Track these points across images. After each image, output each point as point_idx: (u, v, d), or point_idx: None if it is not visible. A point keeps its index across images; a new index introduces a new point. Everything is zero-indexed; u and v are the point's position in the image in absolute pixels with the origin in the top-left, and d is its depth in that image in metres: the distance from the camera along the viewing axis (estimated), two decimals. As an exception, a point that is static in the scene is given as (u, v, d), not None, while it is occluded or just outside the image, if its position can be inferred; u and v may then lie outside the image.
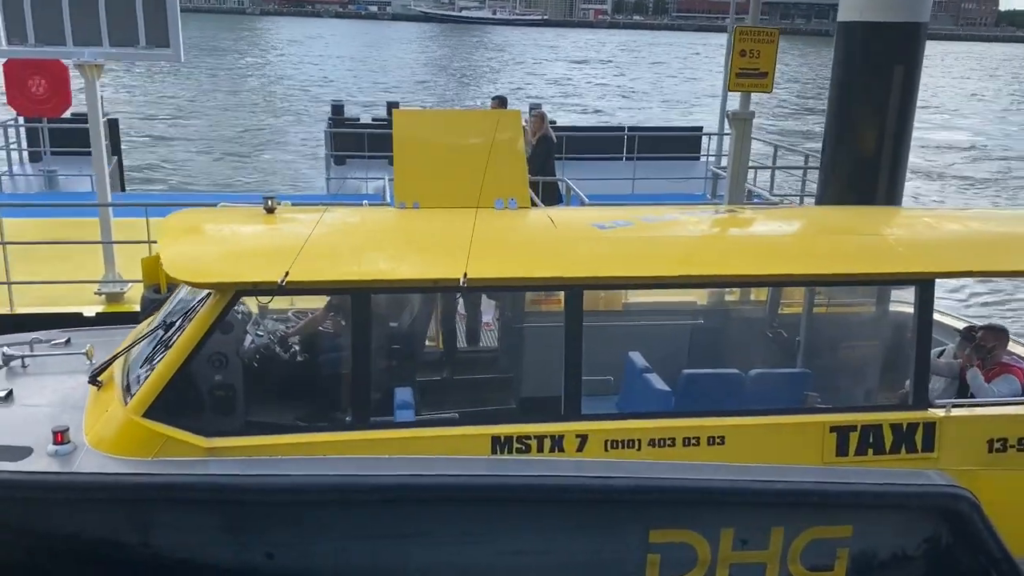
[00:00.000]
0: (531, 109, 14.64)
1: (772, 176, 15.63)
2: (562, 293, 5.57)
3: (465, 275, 5.27)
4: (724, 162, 14.53)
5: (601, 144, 18.20)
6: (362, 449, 5.35)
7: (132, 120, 31.09)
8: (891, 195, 9.46)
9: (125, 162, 19.37)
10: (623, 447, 5.52)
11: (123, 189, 17.68)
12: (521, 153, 6.70)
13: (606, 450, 5.50)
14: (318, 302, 6.69)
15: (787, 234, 6.48)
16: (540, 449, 5.47)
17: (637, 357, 6.82)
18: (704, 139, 19.06)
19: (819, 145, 10.06)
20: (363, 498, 5.29)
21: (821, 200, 9.92)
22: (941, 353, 7.06)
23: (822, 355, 6.93)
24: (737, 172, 8.32)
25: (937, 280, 5.88)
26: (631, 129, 18.64)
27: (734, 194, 8.29)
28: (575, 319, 5.54)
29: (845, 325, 7.33)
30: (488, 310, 7.72)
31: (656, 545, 5.55)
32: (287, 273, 5.16)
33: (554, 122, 19.94)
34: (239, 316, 6.07)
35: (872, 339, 6.87)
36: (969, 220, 7.08)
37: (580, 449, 5.49)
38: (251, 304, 6.55)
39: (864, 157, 9.22)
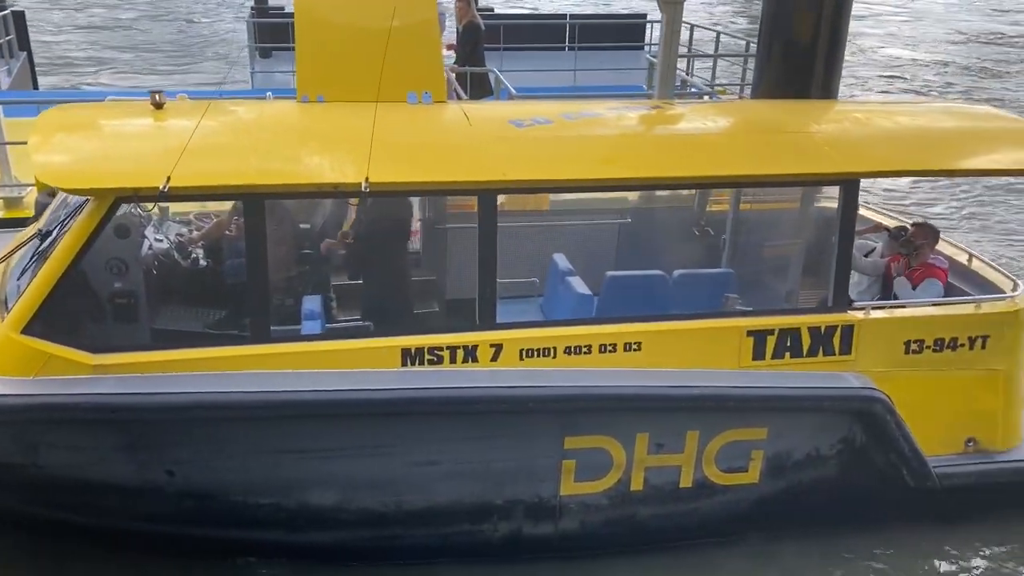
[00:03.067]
0: (457, -7, 13.81)
1: (714, 65, 15.21)
2: (475, 198, 5.29)
3: (367, 179, 4.92)
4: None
5: (542, 33, 17.41)
6: (264, 364, 5.09)
7: (53, 12, 29.33)
8: (828, 84, 9.15)
9: (39, 58, 18.27)
10: (539, 355, 5.36)
11: (35, 87, 16.68)
12: (435, 39, 6.22)
13: (521, 359, 5.34)
14: (223, 204, 6.28)
15: (709, 132, 6.20)
16: (453, 360, 5.28)
17: (561, 259, 6.62)
18: (648, 27, 18.48)
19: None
20: (260, 415, 5.06)
21: (757, 90, 9.59)
22: (870, 252, 6.98)
23: (746, 254, 6.82)
24: (667, 63, 7.88)
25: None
26: (572, 17, 17.94)
27: (663, 87, 7.87)
28: (489, 225, 5.29)
29: (771, 223, 7.19)
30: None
31: (571, 451, 5.47)
32: (169, 178, 4.76)
33: (491, 9, 19.14)
34: (135, 219, 5.65)
35: (797, 237, 6.73)
36: (900, 115, 6.85)
37: (495, 359, 5.31)
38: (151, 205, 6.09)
39: (800, 44, 8.86)
